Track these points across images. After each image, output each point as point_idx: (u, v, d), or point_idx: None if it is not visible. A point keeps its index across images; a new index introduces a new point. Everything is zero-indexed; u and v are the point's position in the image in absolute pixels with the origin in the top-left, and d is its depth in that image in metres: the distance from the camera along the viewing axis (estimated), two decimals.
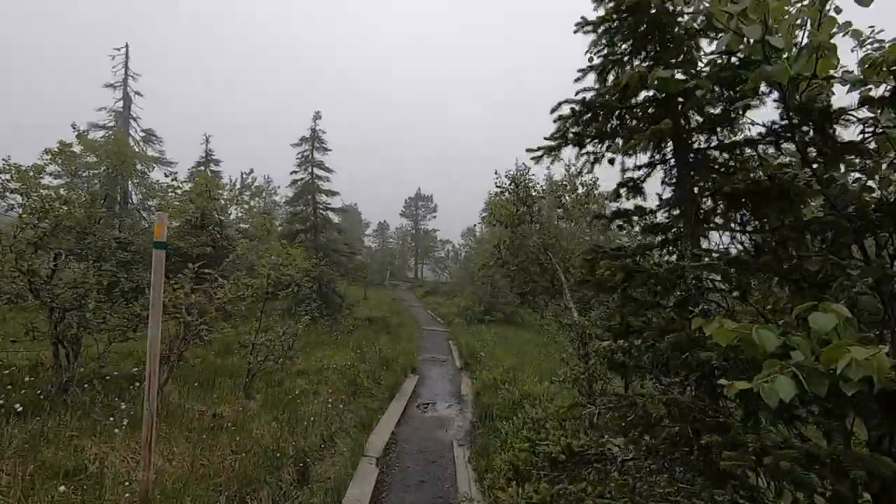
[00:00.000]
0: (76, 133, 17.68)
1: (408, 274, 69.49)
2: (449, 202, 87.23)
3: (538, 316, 31.32)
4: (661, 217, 3.93)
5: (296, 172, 21.42)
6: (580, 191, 8.06)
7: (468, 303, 22.70)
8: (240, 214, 24.77)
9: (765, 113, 4.88)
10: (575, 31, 3.90)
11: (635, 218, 3.96)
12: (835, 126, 2.92)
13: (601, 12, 3.81)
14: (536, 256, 8.26)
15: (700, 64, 3.66)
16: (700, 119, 3.65)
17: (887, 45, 2.61)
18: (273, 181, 37.34)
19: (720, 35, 3.08)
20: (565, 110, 3.94)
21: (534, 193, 8.22)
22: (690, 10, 3.44)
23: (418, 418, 9.71)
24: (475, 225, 60.94)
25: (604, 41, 3.89)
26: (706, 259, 3.36)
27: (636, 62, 3.82)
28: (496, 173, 8.13)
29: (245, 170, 26.05)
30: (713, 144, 3.69)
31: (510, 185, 8.21)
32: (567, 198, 8.21)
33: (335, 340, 15.81)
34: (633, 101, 3.78)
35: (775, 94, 3.12)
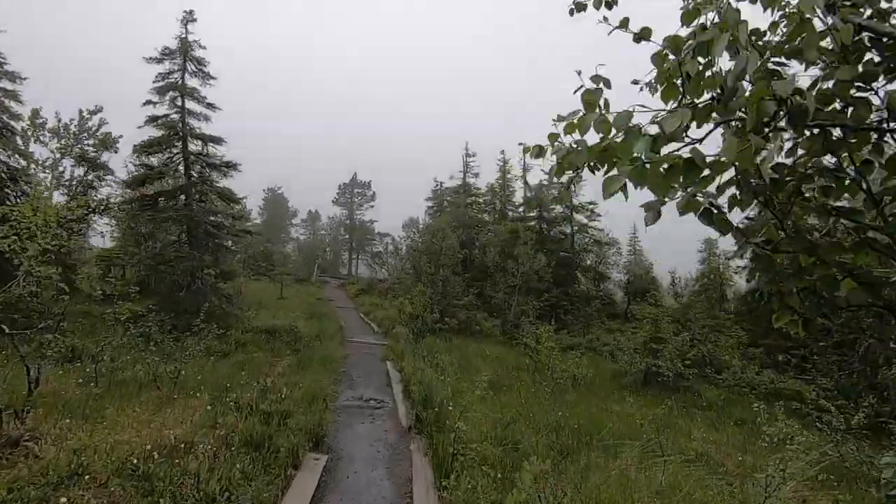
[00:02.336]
0: None
1: (340, 270, 61.67)
2: (389, 192, 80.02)
3: (498, 324, 25.11)
4: None
5: (155, 104, 13.83)
6: None
7: (417, 308, 15.99)
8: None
9: None
10: None
11: None
12: None
13: None
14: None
15: None
16: None
17: None
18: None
19: None
20: None
21: None
22: None
23: None
24: (419, 217, 54.49)
25: None
26: None
27: None
28: None
29: (89, 107, 17.63)
30: None
31: None
32: None
33: (178, 379, 8.68)
34: None
35: None
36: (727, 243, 49.57)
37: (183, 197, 14.17)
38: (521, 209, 42.72)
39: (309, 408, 8.56)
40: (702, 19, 1.79)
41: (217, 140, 14.35)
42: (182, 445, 5.86)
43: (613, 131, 1.66)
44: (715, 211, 1.74)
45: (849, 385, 16.26)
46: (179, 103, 14.00)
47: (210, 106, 14.28)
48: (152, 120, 13.78)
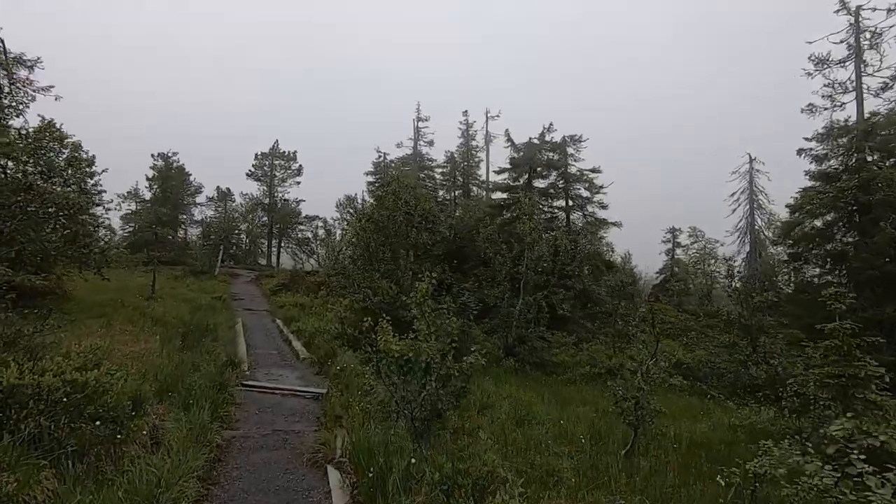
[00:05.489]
0: None
1: (260, 260, 50.54)
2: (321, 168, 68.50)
3: (500, 340, 14.14)
4: None
5: None
6: None
7: (441, 342, 6.81)
8: None
9: None
10: None
11: None
12: None
13: None
14: None
15: None
16: None
17: None
18: None
19: None
20: None
21: None
22: None
23: None
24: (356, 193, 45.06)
25: None
26: None
27: None
28: None
29: None
30: None
31: None
32: None
33: None
34: None
35: None
36: (716, 231, 44.47)
37: None
38: (485, 183, 34.83)
39: None
40: None
41: None
42: None
43: None
44: None
45: None
46: None
47: None
48: None
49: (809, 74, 21.94)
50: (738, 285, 19.13)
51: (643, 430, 7.29)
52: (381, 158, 42.35)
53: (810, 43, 21.71)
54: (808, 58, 21.63)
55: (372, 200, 35.01)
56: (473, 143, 34.81)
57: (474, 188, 34.41)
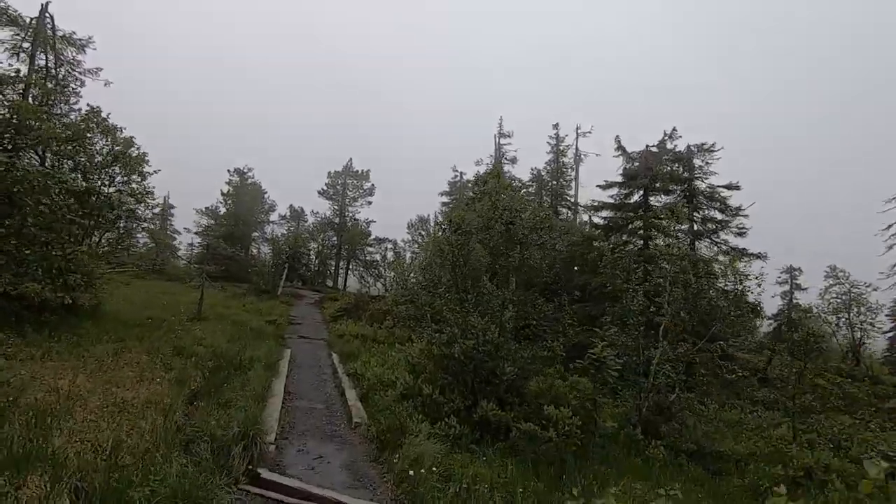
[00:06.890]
0: None
1: (328, 281, 48.68)
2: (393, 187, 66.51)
3: (634, 417, 9.17)
4: None
5: None
6: None
7: None
8: None
9: None
10: None
11: None
12: None
13: None
14: None
15: None
16: None
17: None
18: None
19: None
20: None
21: None
22: None
23: None
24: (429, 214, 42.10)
25: None
26: None
27: None
28: None
29: None
30: None
31: None
32: None
33: None
34: None
35: None
36: (859, 269, 36.57)
37: None
38: (575, 205, 30.43)
39: None
40: None
41: None
42: None
43: None
44: None
45: None
46: None
47: None
48: None
49: None
50: None
51: None
52: (458, 178, 39.31)
53: None
54: None
55: (442, 219, 31.40)
56: (564, 159, 30.70)
57: (564, 210, 30.10)
